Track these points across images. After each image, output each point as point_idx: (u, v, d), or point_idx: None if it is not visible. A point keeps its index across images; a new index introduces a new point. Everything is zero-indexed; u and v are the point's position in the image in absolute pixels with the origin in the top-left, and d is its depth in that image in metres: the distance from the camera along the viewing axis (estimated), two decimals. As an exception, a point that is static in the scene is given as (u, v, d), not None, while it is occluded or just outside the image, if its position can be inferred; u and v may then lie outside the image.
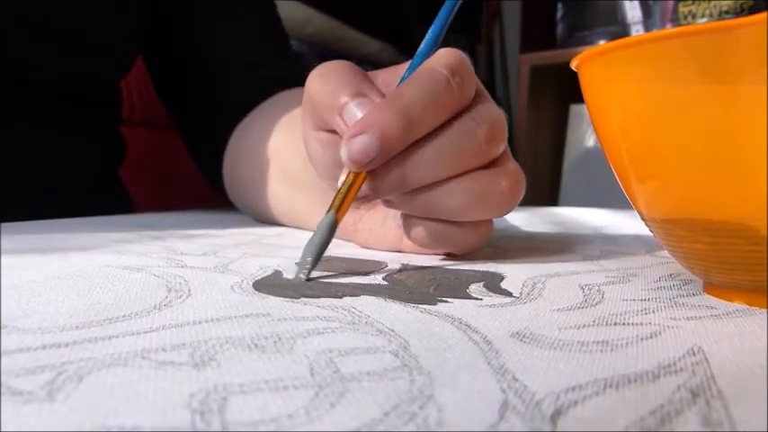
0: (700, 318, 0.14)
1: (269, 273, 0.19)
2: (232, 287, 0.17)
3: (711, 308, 0.15)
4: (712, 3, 0.92)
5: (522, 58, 1.10)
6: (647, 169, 0.15)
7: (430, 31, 0.22)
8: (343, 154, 0.19)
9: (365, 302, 0.16)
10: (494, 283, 0.18)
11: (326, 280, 0.19)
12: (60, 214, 0.37)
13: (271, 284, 0.18)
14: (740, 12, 0.90)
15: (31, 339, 0.12)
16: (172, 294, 0.16)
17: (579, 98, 0.23)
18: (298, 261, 0.19)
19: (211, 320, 0.14)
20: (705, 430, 0.09)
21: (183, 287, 0.17)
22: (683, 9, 0.95)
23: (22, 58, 0.35)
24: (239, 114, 0.40)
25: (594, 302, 0.16)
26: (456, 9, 0.23)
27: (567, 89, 1.11)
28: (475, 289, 0.17)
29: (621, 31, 1.02)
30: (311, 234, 0.19)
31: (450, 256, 0.24)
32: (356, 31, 1.07)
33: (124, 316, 0.14)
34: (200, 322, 0.13)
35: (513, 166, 0.22)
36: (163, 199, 0.60)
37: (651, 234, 0.17)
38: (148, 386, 0.10)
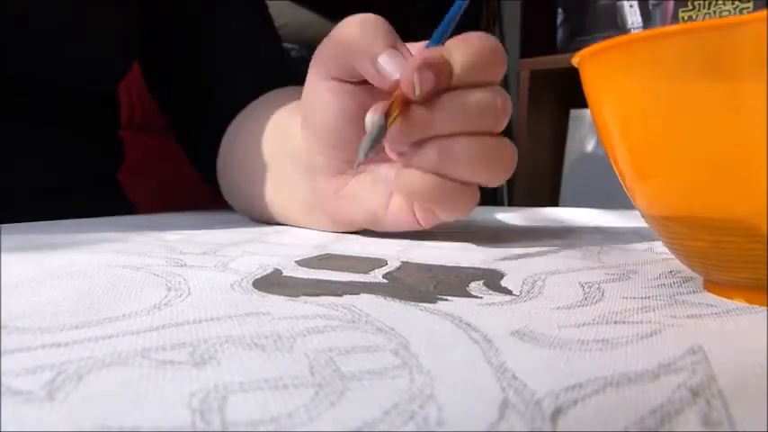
0: (700, 316, 0.14)
1: (269, 271, 0.19)
2: (232, 286, 0.17)
3: (711, 306, 0.15)
4: (712, 8, 0.93)
5: (521, 62, 1.10)
6: (647, 166, 0.15)
7: (439, 28, 0.24)
8: (414, 78, 0.21)
9: (365, 301, 0.16)
10: (493, 281, 0.18)
11: (322, 277, 0.19)
12: (59, 217, 0.37)
13: (270, 283, 0.18)
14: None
15: (30, 339, 0.12)
16: (172, 293, 0.16)
17: (579, 103, 0.25)
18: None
19: (211, 319, 0.14)
20: (705, 430, 0.08)
21: (182, 286, 0.17)
22: (682, 14, 0.95)
23: (20, 59, 0.35)
24: (232, 112, 0.40)
25: (594, 300, 0.16)
26: (463, 9, 0.24)
27: (567, 94, 1.11)
28: (475, 287, 0.17)
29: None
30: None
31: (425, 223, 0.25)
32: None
33: (124, 315, 0.14)
34: (199, 321, 0.13)
35: (511, 143, 0.24)
36: (162, 203, 0.60)
37: (651, 231, 0.17)
38: (148, 385, 0.10)
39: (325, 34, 0.26)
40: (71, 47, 0.37)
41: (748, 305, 0.15)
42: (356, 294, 0.16)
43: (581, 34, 1.08)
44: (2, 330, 0.12)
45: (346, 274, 0.19)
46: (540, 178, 1.14)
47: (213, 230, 0.31)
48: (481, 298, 0.16)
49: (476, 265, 0.21)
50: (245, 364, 0.11)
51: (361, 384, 0.10)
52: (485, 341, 0.12)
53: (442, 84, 0.22)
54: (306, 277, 0.19)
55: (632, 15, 1.02)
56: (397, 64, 0.22)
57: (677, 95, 0.13)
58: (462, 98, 0.22)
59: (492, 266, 0.21)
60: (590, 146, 1.09)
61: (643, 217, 0.17)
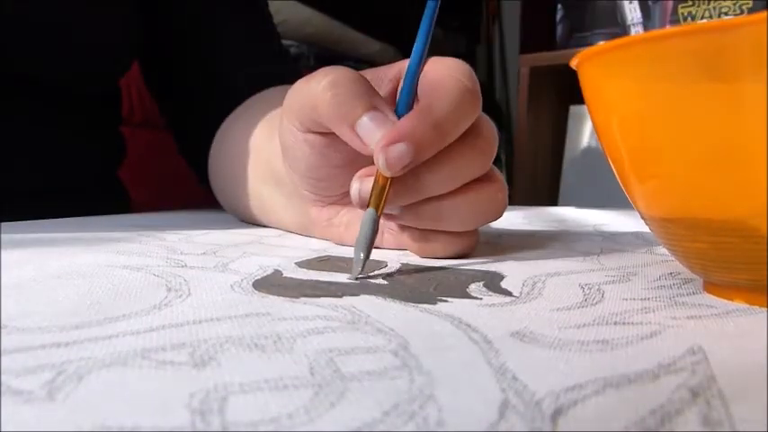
0: (700, 317, 0.14)
1: (269, 272, 0.19)
2: (232, 286, 0.17)
3: (711, 307, 0.15)
4: (712, 4, 0.92)
5: (521, 59, 1.10)
6: (646, 168, 0.15)
7: (420, 32, 0.23)
8: (380, 161, 0.20)
9: (365, 302, 0.16)
10: (494, 283, 0.18)
11: (322, 278, 0.19)
12: (60, 214, 0.37)
13: (270, 284, 0.18)
14: (739, 13, 0.90)
15: (30, 339, 0.12)
16: (172, 294, 0.16)
17: (579, 99, 0.24)
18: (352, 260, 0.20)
19: (211, 320, 0.14)
20: (705, 430, 0.08)
21: (182, 287, 0.17)
22: (682, 10, 0.95)
23: (21, 57, 0.35)
24: (226, 112, 0.40)
25: (594, 302, 0.16)
26: (437, 7, 0.23)
27: (567, 90, 1.11)
28: (475, 288, 0.17)
29: (621, 32, 1.02)
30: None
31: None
32: (356, 32, 1.08)
33: (124, 315, 0.14)
34: (199, 322, 0.13)
35: (501, 177, 0.24)
36: (163, 199, 0.60)
37: (651, 232, 0.17)
38: (148, 386, 0.10)
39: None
40: (71, 44, 0.37)
41: (748, 306, 0.15)
42: (356, 295, 0.16)
43: (580, 30, 1.08)
44: (2, 330, 0.12)
45: (346, 275, 0.19)
46: (539, 174, 1.14)
47: (213, 231, 0.31)
48: (481, 299, 0.16)
49: (476, 267, 0.21)
50: (245, 365, 0.11)
51: (361, 385, 0.10)
52: (485, 342, 0.12)
53: (423, 157, 0.20)
54: (306, 278, 0.19)
55: (632, 12, 1.02)
56: (377, 127, 0.21)
57: (676, 97, 0.13)
58: (451, 159, 0.21)
59: (492, 268, 0.21)
60: (590, 142, 1.09)
61: (642, 218, 0.17)
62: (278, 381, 0.10)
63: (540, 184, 1.14)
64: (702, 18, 0.93)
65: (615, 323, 0.14)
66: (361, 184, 0.21)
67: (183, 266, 0.20)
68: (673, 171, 0.14)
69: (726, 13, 0.91)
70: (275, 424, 0.08)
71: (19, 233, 0.27)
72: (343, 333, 0.13)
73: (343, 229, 0.27)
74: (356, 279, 0.19)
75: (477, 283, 0.18)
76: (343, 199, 0.26)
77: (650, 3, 0.99)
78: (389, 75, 0.24)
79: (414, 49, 0.22)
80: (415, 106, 0.22)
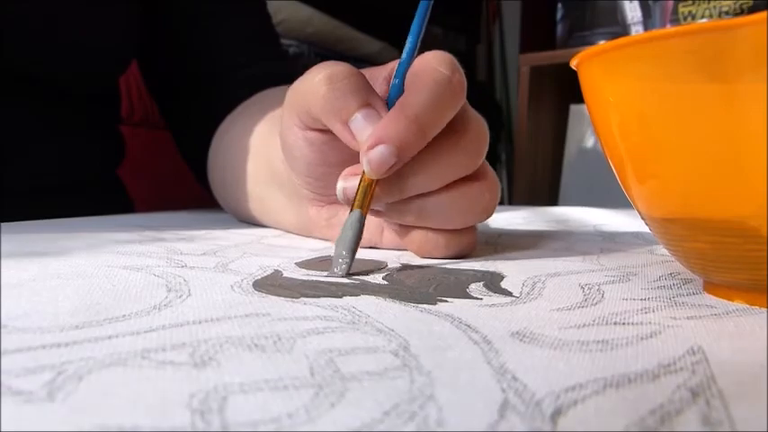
0: (700, 317, 0.14)
1: (269, 272, 0.19)
2: (232, 287, 0.17)
3: (711, 307, 0.15)
4: (712, 3, 0.92)
5: (521, 58, 1.10)
6: (646, 168, 0.15)
7: (411, 32, 0.22)
8: (364, 165, 0.20)
9: (365, 302, 0.16)
10: (494, 283, 0.18)
11: (322, 279, 0.19)
12: (60, 213, 0.37)
13: (270, 284, 0.18)
14: (740, 12, 0.90)
15: (30, 339, 0.12)
16: (172, 294, 0.16)
17: (579, 98, 0.23)
18: (328, 258, 0.20)
19: (211, 320, 0.14)
20: (705, 430, 0.08)
21: (182, 287, 0.17)
22: (682, 9, 0.95)
23: (20, 56, 0.35)
24: (225, 112, 0.40)
25: (594, 302, 0.16)
26: (430, 7, 0.23)
27: (567, 89, 1.11)
28: (475, 288, 0.17)
29: (621, 31, 1.02)
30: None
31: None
32: (356, 31, 1.07)
33: (124, 316, 0.14)
34: (200, 322, 0.13)
35: (492, 175, 0.23)
36: (163, 199, 0.60)
37: (651, 232, 0.17)
38: (148, 386, 0.10)
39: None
40: (70, 44, 0.37)
41: (748, 306, 0.15)
42: (356, 296, 0.16)
43: (581, 29, 1.08)
44: (2, 330, 0.12)
45: (346, 275, 0.19)
46: (539, 173, 1.14)
47: (213, 231, 0.31)
48: (481, 299, 0.16)
49: (476, 267, 0.21)
50: (245, 365, 0.11)
51: (361, 385, 0.10)
52: (485, 342, 0.12)
53: (407, 156, 0.20)
54: (306, 278, 0.19)
55: (632, 11, 1.02)
56: (370, 125, 0.21)
57: (676, 97, 0.13)
58: (434, 160, 0.21)
59: (492, 268, 0.21)
60: (590, 141, 1.09)
61: (642, 219, 0.17)
62: (278, 381, 0.10)
63: (540, 184, 1.14)
64: (703, 17, 0.93)
65: (615, 323, 0.14)
66: (346, 183, 0.21)
67: (183, 267, 0.20)
68: (673, 171, 0.14)
69: (726, 12, 0.91)
70: (275, 424, 0.08)
71: (19, 233, 0.27)
72: (343, 333, 0.13)
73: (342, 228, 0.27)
74: (342, 277, 0.19)
75: (478, 284, 0.18)
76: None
77: (650, 2, 0.99)
78: (383, 74, 0.24)
79: (405, 47, 0.22)
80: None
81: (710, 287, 0.17)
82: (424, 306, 0.15)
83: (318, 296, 0.16)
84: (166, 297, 0.16)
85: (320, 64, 0.22)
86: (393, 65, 0.24)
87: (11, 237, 0.26)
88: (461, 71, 0.21)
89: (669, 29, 0.13)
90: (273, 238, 0.29)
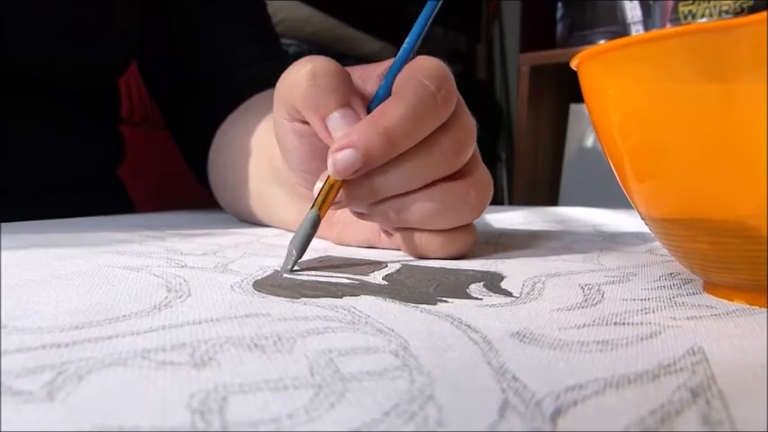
0: (700, 317, 0.14)
1: (269, 272, 0.19)
2: (232, 287, 0.17)
3: (711, 307, 0.15)
4: (712, 2, 0.92)
5: (521, 57, 1.10)
6: (646, 168, 0.15)
7: (411, 33, 0.22)
8: (329, 165, 0.20)
9: (365, 302, 0.16)
10: (494, 283, 0.18)
11: (322, 279, 0.19)
12: (60, 213, 0.37)
13: (270, 284, 0.18)
14: (740, 12, 0.90)
15: (30, 339, 0.12)
16: (172, 294, 0.16)
17: (579, 97, 0.23)
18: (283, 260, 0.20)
19: (211, 320, 0.14)
20: (705, 430, 0.09)
21: (182, 287, 0.17)
22: (682, 9, 0.95)
23: (20, 55, 0.35)
24: (225, 112, 0.40)
25: (594, 302, 0.16)
26: (437, 10, 0.22)
27: (567, 89, 1.11)
28: (475, 289, 0.17)
29: (621, 30, 1.02)
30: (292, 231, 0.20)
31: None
32: (356, 31, 1.07)
33: (124, 316, 0.14)
34: (199, 322, 0.13)
35: (481, 174, 0.23)
36: (162, 198, 0.60)
37: (651, 233, 0.17)
38: (148, 386, 0.10)
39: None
40: (71, 43, 0.37)
41: (748, 306, 0.15)
42: (356, 296, 0.16)
43: (581, 29, 1.08)
44: (2, 330, 0.12)
45: (346, 275, 0.19)
46: (539, 173, 1.14)
47: (213, 231, 0.31)
48: (481, 300, 0.16)
49: (476, 267, 0.21)
50: (244, 365, 0.11)
51: (361, 385, 0.10)
52: (485, 342, 0.12)
53: (373, 164, 0.20)
54: (306, 279, 0.19)
55: (632, 10, 1.02)
56: (346, 125, 0.20)
57: (676, 97, 0.13)
58: (408, 157, 0.21)
59: (492, 268, 0.21)
60: (590, 141, 1.09)
61: (642, 219, 0.17)
62: (278, 381, 0.10)
63: (540, 184, 1.14)
64: (703, 17, 0.93)
65: (615, 323, 0.14)
66: (320, 182, 0.21)
67: (183, 267, 0.20)
68: (673, 171, 0.14)
69: (726, 12, 0.91)
70: (275, 424, 0.08)
71: (19, 233, 0.27)
72: (343, 333, 0.13)
73: (341, 227, 0.27)
74: (287, 273, 0.19)
75: (478, 284, 0.18)
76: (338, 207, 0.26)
77: (650, 1, 0.99)
78: (378, 71, 0.23)
79: (402, 47, 0.22)
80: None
81: (710, 287, 0.17)
82: (424, 306, 0.15)
83: (318, 296, 0.16)
84: (166, 297, 0.16)
85: (307, 57, 0.22)
86: (389, 63, 0.24)
87: (11, 237, 0.26)
88: (449, 84, 0.21)
89: (669, 29, 0.13)
90: (273, 237, 0.29)
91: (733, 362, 0.11)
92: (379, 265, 0.21)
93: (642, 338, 0.13)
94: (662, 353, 0.12)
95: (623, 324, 0.14)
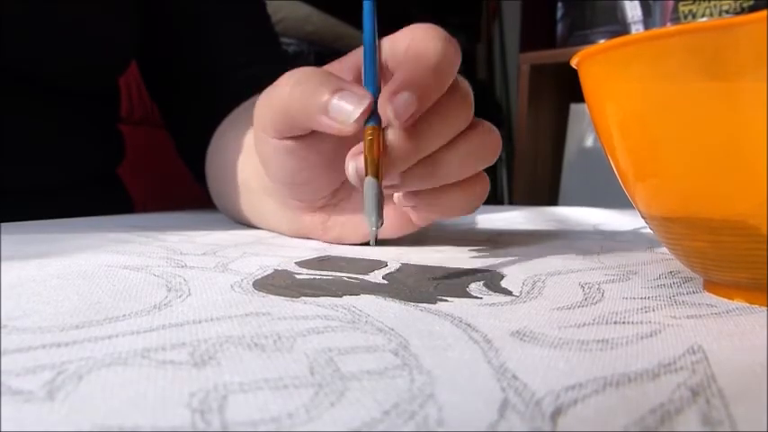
0: (700, 316, 0.14)
1: (269, 272, 0.19)
2: (232, 286, 0.17)
3: (711, 306, 0.15)
4: (712, 2, 0.92)
5: (521, 56, 1.10)
6: (646, 167, 0.15)
7: (366, 29, 0.23)
8: (388, 111, 0.20)
9: (365, 301, 0.16)
10: (494, 282, 0.18)
11: (322, 278, 0.19)
12: (60, 213, 0.37)
13: (270, 284, 0.18)
14: (740, 11, 0.90)
15: (30, 339, 0.12)
16: (172, 294, 0.16)
17: (579, 97, 0.23)
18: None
19: (211, 320, 0.14)
20: (705, 429, 0.08)
21: (182, 287, 0.17)
22: (683, 8, 0.95)
23: (20, 55, 0.35)
24: (224, 112, 0.40)
25: (594, 301, 0.16)
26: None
27: (567, 88, 1.11)
28: (475, 288, 0.17)
29: (622, 30, 1.02)
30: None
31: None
32: (355, 29, 1.07)
33: (124, 315, 0.14)
34: (199, 321, 0.13)
35: (484, 123, 0.24)
36: (162, 198, 0.60)
37: (651, 231, 0.17)
38: (148, 385, 0.10)
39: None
40: (71, 43, 0.37)
41: (748, 305, 0.15)
42: (356, 295, 0.16)
43: (581, 28, 1.07)
44: (2, 330, 0.12)
45: (346, 274, 0.19)
46: (539, 173, 1.14)
47: (213, 231, 0.31)
48: (481, 299, 0.16)
49: (476, 266, 0.21)
50: (245, 365, 0.11)
51: (361, 384, 0.10)
52: (485, 341, 0.12)
53: (427, 103, 0.20)
54: (305, 278, 0.19)
55: (632, 9, 1.02)
56: (351, 102, 0.21)
57: (676, 96, 0.13)
58: (438, 114, 0.21)
59: (492, 267, 0.21)
60: (590, 140, 1.09)
61: (642, 217, 0.17)
62: (278, 380, 0.10)
63: (540, 184, 1.14)
64: (703, 16, 0.93)
65: (615, 322, 0.14)
66: (357, 162, 0.21)
67: (183, 266, 0.20)
68: (673, 170, 0.14)
69: (726, 11, 0.91)
70: (275, 423, 0.08)
71: (19, 233, 0.27)
72: (343, 333, 0.13)
73: (339, 228, 0.27)
74: (374, 242, 0.20)
75: (478, 283, 0.18)
76: (332, 200, 0.27)
77: (651, 1, 0.99)
78: (348, 64, 0.24)
79: (364, 34, 0.23)
80: (393, 76, 0.21)
81: (711, 286, 0.17)
82: (424, 305, 0.15)
83: (318, 295, 0.16)
84: (166, 297, 0.16)
85: (283, 75, 0.23)
86: (356, 52, 0.24)
87: (11, 237, 0.26)
88: (452, 38, 0.22)
89: (669, 28, 0.13)
90: (273, 237, 0.29)
91: (733, 361, 0.11)
92: (379, 264, 0.21)
93: (642, 337, 0.13)
94: (662, 352, 0.12)
95: (623, 323, 0.14)
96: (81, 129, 0.42)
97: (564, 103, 1.14)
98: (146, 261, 0.21)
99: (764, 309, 0.15)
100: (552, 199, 1.15)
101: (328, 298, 0.16)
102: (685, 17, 0.95)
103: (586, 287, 0.18)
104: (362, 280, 0.18)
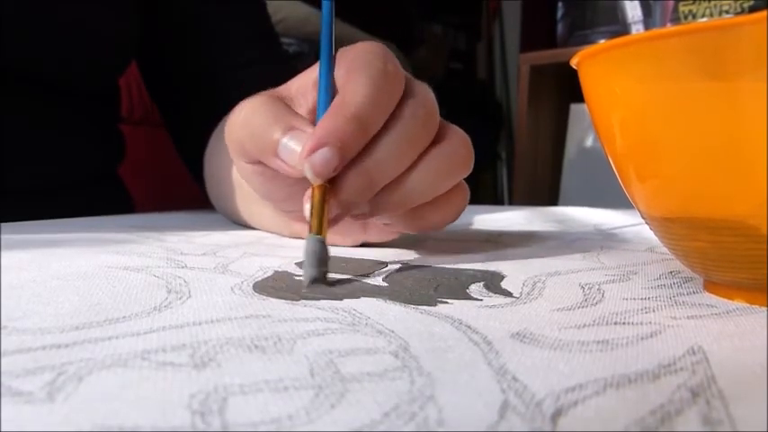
0: (700, 316, 0.14)
1: (269, 273, 0.19)
2: (232, 288, 0.17)
3: (712, 306, 0.15)
4: (712, 2, 0.92)
5: (522, 57, 1.10)
6: (647, 167, 0.15)
7: (323, 31, 0.22)
8: (307, 171, 0.19)
9: (365, 304, 0.16)
10: (494, 284, 0.18)
11: (329, 279, 0.18)
12: (60, 212, 0.37)
13: (271, 286, 0.18)
14: (740, 12, 0.90)
15: (31, 340, 0.12)
16: (172, 295, 0.16)
17: (579, 97, 0.23)
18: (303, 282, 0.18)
19: (211, 321, 0.14)
20: (705, 430, 0.08)
21: (183, 288, 0.17)
22: (683, 8, 0.95)
23: (20, 55, 0.35)
24: (223, 112, 0.40)
25: (594, 302, 0.16)
26: (333, 6, 0.22)
27: (568, 88, 1.11)
28: (475, 289, 0.17)
29: (622, 30, 1.02)
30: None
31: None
32: (355, 29, 1.07)
33: (124, 317, 0.14)
34: (200, 323, 0.13)
35: (456, 131, 0.22)
36: (163, 198, 0.60)
37: (651, 232, 0.17)
38: (148, 387, 0.10)
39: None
40: (71, 43, 0.37)
41: (748, 305, 0.15)
42: (356, 297, 0.16)
43: (581, 28, 1.07)
44: (2, 331, 0.12)
45: (346, 276, 0.19)
46: (539, 173, 1.14)
47: (213, 232, 0.31)
48: (481, 300, 0.16)
49: (476, 268, 0.21)
50: (245, 366, 0.11)
51: (362, 386, 0.10)
52: (485, 343, 0.12)
53: (350, 155, 0.19)
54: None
55: (632, 9, 1.02)
56: (298, 145, 0.20)
57: (676, 96, 0.13)
58: (395, 135, 0.20)
59: (492, 268, 0.21)
60: (590, 140, 1.09)
61: (643, 218, 0.17)
62: (278, 382, 0.10)
63: (540, 184, 1.14)
64: (703, 16, 0.93)
65: (615, 323, 0.14)
66: (310, 205, 0.20)
67: (183, 267, 0.20)
68: (673, 170, 0.14)
69: (726, 12, 0.91)
70: (275, 425, 0.08)
71: (19, 234, 0.27)
72: (343, 335, 0.13)
73: (330, 234, 0.26)
74: (304, 297, 0.16)
75: (478, 284, 0.18)
76: (333, 224, 0.26)
77: (651, 1, 0.99)
78: (312, 77, 0.23)
79: (321, 47, 0.22)
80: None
81: (711, 286, 0.17)
82: (424, 307, 0.15)
83: (318, 298, 0.16)
84: (166, 298, 0.16)
85: (237, 106, 0.23)
86: (306, 73, 0.23)
87: (11, 237, 0.26)
88: (392, 56, 0.21)
89: (670, 28, 0.13)
90: (273, 237, 0.29)
91: (733, 361, 0.11)
92: (378, 266, 0.21)
93: (642, 338, 0.13)
94: (662, 352, 0.12)
95: (623, 324, 0.14)
96: (81, 129, 0.42)
97: (564, 103, 1.14)
98: (146, 262, 0.21)
99: (765, 309, 0.15)
100: (552, 199, 1.15)
101: (328, 300, 0.16)
102: (685, 17, 0.95)
103: (586, 288, 0.18)
104: (362, 282, 0.18)
